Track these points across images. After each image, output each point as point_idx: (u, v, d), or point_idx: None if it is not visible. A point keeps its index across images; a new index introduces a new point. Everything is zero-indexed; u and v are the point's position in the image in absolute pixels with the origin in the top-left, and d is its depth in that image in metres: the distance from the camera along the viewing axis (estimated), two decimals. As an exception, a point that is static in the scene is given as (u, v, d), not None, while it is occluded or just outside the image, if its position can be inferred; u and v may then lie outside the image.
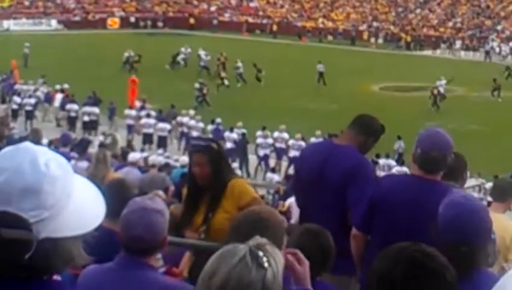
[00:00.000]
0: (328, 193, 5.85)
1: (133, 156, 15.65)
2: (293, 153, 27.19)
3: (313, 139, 27.62)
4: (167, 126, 30.89)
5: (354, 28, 76.97)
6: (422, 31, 75.10)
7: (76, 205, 2.08)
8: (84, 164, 12.94)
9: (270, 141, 29.17)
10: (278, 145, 29.18)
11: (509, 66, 51.88)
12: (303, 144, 26.39)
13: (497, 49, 65.90)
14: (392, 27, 77.44)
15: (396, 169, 24.36)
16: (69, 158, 11.83)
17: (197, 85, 40.12)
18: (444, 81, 42.77)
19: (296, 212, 7.12)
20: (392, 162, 25.98)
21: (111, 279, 3.78)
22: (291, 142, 28.42)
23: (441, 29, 75.35)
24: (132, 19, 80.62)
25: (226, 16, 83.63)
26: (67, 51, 54.42)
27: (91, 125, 33.09)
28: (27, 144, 2.10)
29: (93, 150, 15.85)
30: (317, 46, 67.57)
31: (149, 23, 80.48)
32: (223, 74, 45.82)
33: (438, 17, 79.90)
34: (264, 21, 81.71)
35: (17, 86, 38.36)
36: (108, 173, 10.06)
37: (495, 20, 76.95)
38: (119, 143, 16.72)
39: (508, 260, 6.18)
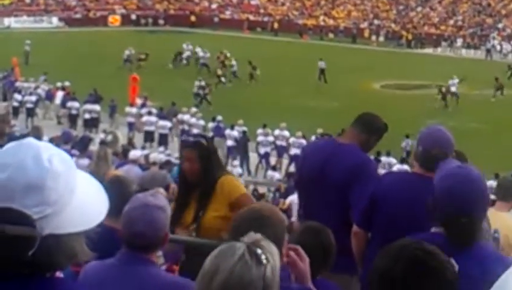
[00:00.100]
0: (331, 191, 5.85)
1: (133, 153, 15.67)
2: (293, 151, 27.20)
3: (314, 137, 27.64)
4: (168, 124, 30.90)
5: (355, 26, 76.94)
6: (423, 29, 75.04)
7: (79, 201, 2.08)
8: (85, 162, 12.96)
9: (270, 138, 29.16)
10: (278, 143, 29.18)
11: (510, 65, 51.76)
12: (304, 142, 26.38)
13: (498, 47, 65.85)
14: (393, 25, 77.36)
15: (397, 167, 24.35)
16: (70, 156, 11.81)
17: (197, 83, 40.07)
18: (456, 80, 42.68)
19: (296, 210, 7.12)
20: (393, 160, 25.96)
21: (113, 275, 3.78)
22: (292, 140, 28.42)
23: (442, 27, 75.29)
24: (133, 17, 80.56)
25: (227, 14, 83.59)
26: (68, 49, 54.38)
27: (92, 123, 33.08)
28: (30, 140, 2.10)
29: (94, 147, 15.87)
30: (318, 44, 67.51)
31: (150, 20, 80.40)
32: (219, 72, 45.77)
33: (439, 15, 79.84)
34: (265, 19, 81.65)
35: (18, 84, 38.33)
36: (109, 171, 10.07)
37: (496, 18, 76.88)
38: (120, 141, 16.71)
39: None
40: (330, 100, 40.67)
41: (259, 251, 2.33)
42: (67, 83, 36.67)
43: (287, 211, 15.51)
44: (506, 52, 65.02)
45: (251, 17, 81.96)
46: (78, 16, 78.47)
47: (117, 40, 60.13)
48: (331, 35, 75.41)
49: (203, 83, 40.08)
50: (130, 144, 23.86)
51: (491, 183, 25.00)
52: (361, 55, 60.52)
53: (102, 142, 15.98)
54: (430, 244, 2.66)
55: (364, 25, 78.38)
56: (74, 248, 2.06)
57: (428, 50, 68.15)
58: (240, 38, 69.15)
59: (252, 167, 29.41)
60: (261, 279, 2.30)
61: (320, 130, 28.38)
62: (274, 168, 28.19)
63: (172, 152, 24.87)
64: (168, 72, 49.50)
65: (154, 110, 32.41)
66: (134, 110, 32.91)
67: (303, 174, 6.27)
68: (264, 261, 2.32)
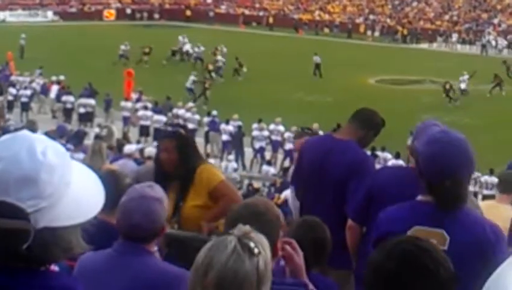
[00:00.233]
0: (329, 187, 5.87)
1: (128, 147, 15.62)
2: (288, 146, 27.19)
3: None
4: (163, 118, 30.88)
5: (350, 21, 76.90)
6: (418, 24, 75.02)
7: (74, 194, 2.06)
8: (79, 156, 12.94)
9: (265, 133, 29.17)
10: (273, 137, 29.19)
11: (506, 60, 51.76)
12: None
13: (494, 43, 65.87)
14: (388, 20, 77.35)
15: (392, 162, 24.38)
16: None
17: (192, 78, 39.97)
18: (466, 76, 42.72)
19: (291, 205, 7.12)
20: (388, 155, 26.00)
21: (110, 265, 3.79)
22: (287, 134, 28.41)
23: (438, 23, 75.27)
24: (128, 11, 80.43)
25: (222, 8, 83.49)
26: (63, 43, 54.30)
27: (87, 117, 33.03)
28: (25, 132, 2.08)
29: (89, 141, 15.85)
30: (314, 39, 67.46)
31: (145, 14, 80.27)
32: (210, 67, 45.68)
33: (435, 10, 79.84)
34: (261, 13, 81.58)
35: (12, 78, 38.26)
36: (103, 165, 10.06)
37: (491, 14, 76.89)
38: (115, 135, 16.66)
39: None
40: (325, 95, 40.68)
41: (250, 243, 2.34)
42: (62, 77, 36.61)
43: (282, 206, 15.51)
44: (502, 48, 65.04)
45: (246, 12, 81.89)
46: (73, 9, 78.32)
47: (112, 34, 60.06)
48: (326, 30, 75.39)
49: (192, 77, 39.95)
50: (125, 138, 23.75)
51: (486, 178, 25.18)
52: (356, 50, 60.51)
53: (97, 137, 15.95)
54: (427, 242, 2.65)
55: (359, 20, 78.36)
56: (70, 240, 2.05)
57: (424, 45, 68.19)
58: (235, 33, 69.08)
59: (247, 162, 29.42)
60: (255, 271, 2.30)
61: (316, 125, 28.40)
62: (269, 163, 28.21)
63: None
64: (163, 67, 49.44)
65: (149, 105, 32.38)
66: (129, 104, 32.88)
67: (302, 170, 6.27)
68: (257, 252, 2.33)
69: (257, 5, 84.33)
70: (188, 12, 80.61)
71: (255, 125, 29.42)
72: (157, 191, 4.02)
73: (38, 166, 2.00)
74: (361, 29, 75.21)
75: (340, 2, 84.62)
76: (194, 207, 5.64)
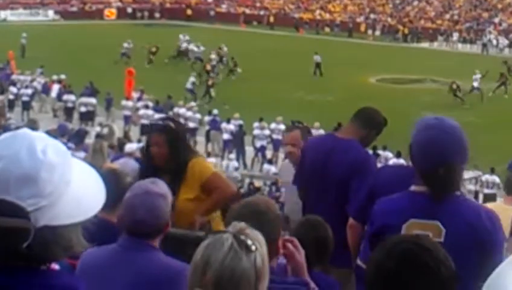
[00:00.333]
0: (331, 187, 5.87)
1: (129, 146, 15.61)
2: (289, 145, 27.15)
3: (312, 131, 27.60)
4: (164, 117, 30.86)
5: (351, 20, 76.82)
6: (419, 23, 74.98)
7: (75, 192, 2.06)
8: (80, 155, 12.93)
9: (267, 132, 29.18)
10: (274, 136, 29.18)
11: (506, 60, 51.56)
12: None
13: (495, 42, 65.82)
14: (389, 19, 77.30)
15: (393, 161, 24.38)
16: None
17: (192, 79, 39.96)
18: (479, 75, 42.67)
19: (288, 203, 7.13)
20: (389, 154, 26.00)
21: (114, 260, 3.79)
22: (288, 133, 28.38)
23: (438, 22, 75.22)
24: (129, 10, 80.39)
25: (223, 7, 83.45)
26: (64, 42, 54.29)
27: (88, 116, 33.06)
28: (25, 131, 2.08)
29: (90, 140, 15.86)
30: (315, 38, 67.44)
31: (146, 14, 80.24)
32: (208, 67, 45.67)
33: (435, 10, 79.79)
34: (261, 12, 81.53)
35: (14, 77, 38.28)
36: (104, 164, 10.05)
37: (492, 13, 76.84)
38: (116, 134, 16.67)
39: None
40: (326, 94, 40.66)
41: (247, 239, 2.34)
42: (63, 76, 36.65)
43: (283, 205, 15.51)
44: (502, 47, 65.00)
45: (247, 11, 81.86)
46: (74, 9, 78.31)
47: (113, 34, 60.05)
48: (327, 29, 75.34)
49: (192, 79, 39.94)
50: (126, 137, 23.76)
51: (487, 177, 25.17)
52: (357, 49, 60.47)
53: (98, 135, 15.97)
54: (428, 240, 2.65)
55: (360, 19, 78.31)
56: (71, 239, 2.05)
57: (425, 44, 68.13)
58: (236, 32, 69.07)
59: (248, 161, 29.44)
60: (253, 267, 2.31)
61: (317, 124, 28.41)
62: (270, 162, 28.20)
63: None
64: (164, 66, 49.41)
65: (150, 104, 32.40)
66: (130, 103, 32.90)
67: (304, 169, 6.27)
68: (253, 249, 2.33)
69: (258, 4, 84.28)
70: (189, 12, 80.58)
71: (256, 124, 29.43)
72: (162, 187, 4.02)
73: (39, 165, 1.99)
74: (362, 28, 75.15)
75: (341, 1, 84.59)
76: (187, 200, 5.62)
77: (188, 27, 67.95)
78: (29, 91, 35.01)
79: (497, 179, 25.09)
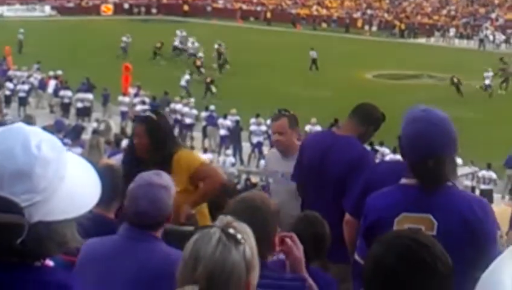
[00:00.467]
0: (330, 183, 5.88)
1: (126, 142, 15.64)
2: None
3: (307, 127, 27.69)
4: (161, 113, 30.86)
5: (348, 16, 76.81)
6: (416, 19, 74.94)
7: (69, 187, 2.04)
8: (77, 150, 12.92)
9: (263, 128, 29.15)
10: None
11: (503, 57, 51.42)
12: (297, 131, 26.37)
13: (491, 37, 65.82)
14: (386, 15, 77.26)
15: (390, 157, 24.37)
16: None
17: (187, 77, 39.97)
18: (491, 73, 42.67)
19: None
20: (386, 150, 26.01)
21: (116, 250, 3.80)
22: (284, 129, 28.35)
23: (435, 17, 75.21)
24: (126, 6, 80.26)
25: (220, 3, 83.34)
26: (60, 38, 54.17)
27: (85, 112, 33.04)
28: (20, 125, 2.06)
29: (86, 136, 15.87)
30: (311, 34, 67.46)
31: (143, 9, 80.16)
32: (198, 63, 45.64)
33: (432, 5, 79.78)
34: (258, 8, 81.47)
35: (10, 72, 38.23)
36: (101, 160, 10.05)
37: (489, 8, 76.85)
38: (113, 130, 16.68)
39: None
40: (323, 90, 40.62)
41: (234, 232, 2.34)
42: (59, 72, 36.61)
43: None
44: (499, 42, 65.00)
45: (244, 7, 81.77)
46: (70, 4, 78.19)
47: (110, 29, 59.99)
48: (324, 25, 75.25)
49: (187, 77, 39.96)
50: (123, 133, 23.80)
51: (483, 173, 25.19)
52: (354, 45, 60.46)
53: (95, 131, 15.97)
54: (426, 236, 2.64)
55: (357, 14, 78.27)
56: (65, 234, 2.03)
57: (421, 40, 68.13)
58: (233, 28, 69.01)
59: (244, 157, 29.43)
60: (242, 259, 2.32)
61: (314, 120, 28.43)
62: (267, 158, 28.17)
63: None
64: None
65: (147, 100, 32.39)
66: (127, 99, 32.88)
67: (302, 166, 6.26)
68: (242, 241, 2.33)
69: (255, 0, 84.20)
70: (186, 7, 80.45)
71: (252, 120, 29.42)
72: (165, 178, 4.03)
73: (33, 160, 1.97)
74: (359, 24, 75.10)
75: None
76: (176, 193, 5.60)
77: (184, 23, 67.86)
78: (26, 87, 34.98)
79: (493, 175, 25.13)
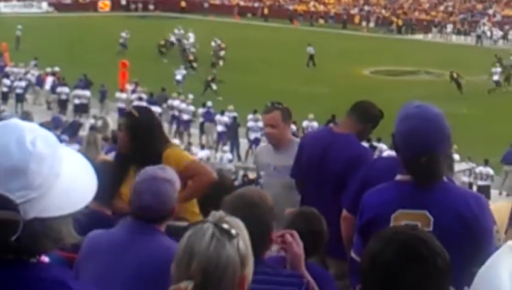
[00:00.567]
0: (329, 181, 5.88)
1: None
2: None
3: (304, 123, 27.70)
4: (158, 109, 30.83)
5: (345, 12, 76.82)
6: (413, 15, 75.00)
7: (65, 184, 2.03)
8: (74, 147, 12.90)
9: (261, 124, 29.11)
10: (269, 128, 29.11)
11: (496, 54, 51.37)
12: (294, 127, 26.37)
13: (489, 33, 65.85)
14: (383, 11, 77.29)
15: (388, 153, 24.38)
16: (59, 141, 11.82)
17: (183, 72, 39.99)
18: (499, 69, 42.66)
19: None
20: (384, 146, 26.01)
21: (120, 243, 3.80)
22: (282, 125, 28.34)
23: (433, 13, 75.26)
24: (123, 2, 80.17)
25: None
26: (57, 34, 54.14)
27: (82, 108, 33.00)
28: (15, 121, 2.05)
29: (84, 133, 15.85)
30: (309, 30, 67.47)
31: (140, 6, 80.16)
32: (191, 57, 45.63)
33: (430, 1, 79.81)
34: (256, 4, 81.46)
35: (7, 69, 38.19)
36: (98, 156, 10.04)
37: (486, 4, 76.92)
38: (110, 126, 16.66)
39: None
40: (320, 86, 40.61)
41: (227, 226, 2.34)
42: (57, 69, 36.59)
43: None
44: (497, 38, 65.03)
45: (241, 3, 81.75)
46: (67, 1, 78.12)
47: (107, 26, 59.95)
48: (321, 21, 75.31)
49: (183, 72, 40.00)
50: (120, 130, 23.81)
51: (481, 169, 25.21)
52: (351, 41, 60.45)
53: (92, 128, 15.97)
54: (424, 232, 2.64)
55: (354, 10, 78.29)
56: (60, 231, 2.02)
57: (419, 36, 68.17)
58: (230, 24, 69.00)
59: (242, 153, 29.43)
60: (236, 253, 2.32)
61: (311, 116, 28.44)
62: (264, 154, 28.17)
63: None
64: (158, 58, 49.31)
65: (144, 96, 32.36)
66: (124, 95, 32.85)
67: (301, 164, 6.26)
68: (235, 235, 2.33)
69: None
70: (183, 4, 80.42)
71: (250, 116, 29.42)
72: (169, 172, 4.02)
73: (28, 156, 1.96)
74: (356, 20, 75.15)
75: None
76: None
77: (182, 19, 67.83)
78: (23, 83, 34.92)
79: (491, 171, 25.15)
